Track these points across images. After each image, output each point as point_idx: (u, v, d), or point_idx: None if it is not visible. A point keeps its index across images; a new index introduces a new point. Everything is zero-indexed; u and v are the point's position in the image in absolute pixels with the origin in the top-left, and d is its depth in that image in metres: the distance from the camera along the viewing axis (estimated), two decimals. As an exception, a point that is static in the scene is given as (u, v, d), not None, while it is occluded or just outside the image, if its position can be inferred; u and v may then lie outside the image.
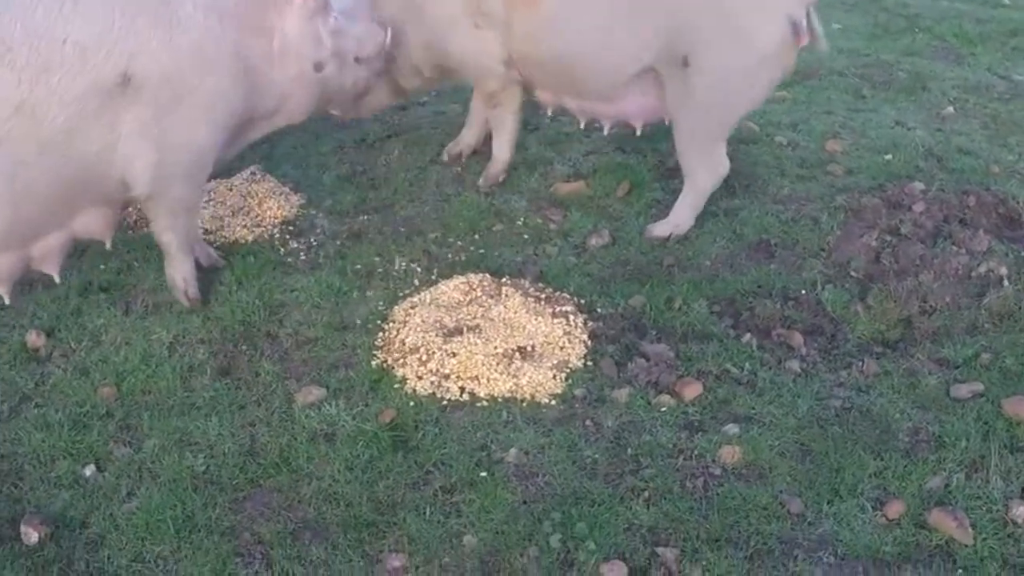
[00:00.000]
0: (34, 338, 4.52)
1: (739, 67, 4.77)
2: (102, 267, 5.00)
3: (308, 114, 4.95)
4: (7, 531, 3.58)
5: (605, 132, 5.46)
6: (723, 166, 5.08)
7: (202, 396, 4.13)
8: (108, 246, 4.55)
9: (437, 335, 4.19)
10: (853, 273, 4.74)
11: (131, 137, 4.14)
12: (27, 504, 3.70)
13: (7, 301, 4.37)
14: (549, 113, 5.58)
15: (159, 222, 4.57)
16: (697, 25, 4.72)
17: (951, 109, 6.70)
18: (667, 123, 5.16)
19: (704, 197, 5.17)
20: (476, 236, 5.22)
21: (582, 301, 4.58)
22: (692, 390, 3.99)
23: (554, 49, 5.00)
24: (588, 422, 3.88)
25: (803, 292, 4.63)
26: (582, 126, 5.55)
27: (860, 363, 4.18)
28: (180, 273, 4.70)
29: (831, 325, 4.44)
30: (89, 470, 3.81)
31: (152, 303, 4.73)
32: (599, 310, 4.54)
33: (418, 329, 4.24)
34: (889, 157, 5.85)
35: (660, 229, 5.17)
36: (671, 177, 5.57)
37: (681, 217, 5.17)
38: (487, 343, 4.13)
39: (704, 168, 5.07)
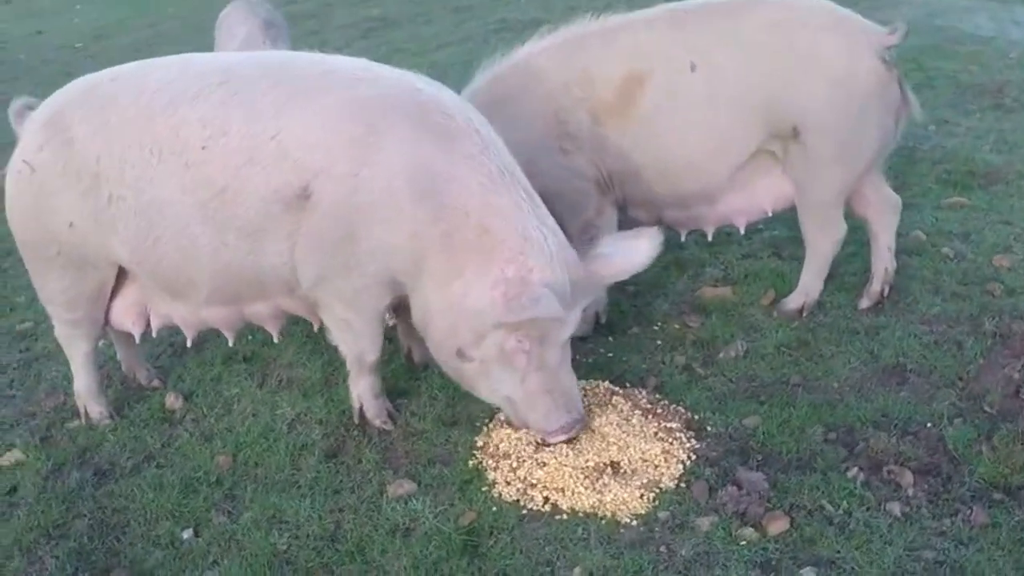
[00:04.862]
0: (172, 400, 4.83)
1: (847, 116, 4.76)
2: (249, 337, 5.27)
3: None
4: (97, 581, 3.85)
5: (709, 237, 5.38)
6: (841, 231, 5.13)
7: (306, 476, 4.30)
8: (316, 329, 4.63)
9: (529, 443, 4.19)
10: (987, 408, 4.38)
11: (302, 248, 4.07)
12: (123, 558, 3.97)
13: (231, 343, 4.66)
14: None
15: (330, 332, 4.44)
16: (799, 88, 4.73)
17: None
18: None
19: (827, 262, 5.23)
20: (610, 339, 5.20)
21: (695, 417, 4.46)
22: (778, 525, 3.80)
23: (656, 156, 4.89)
24: (663, 548, 3.76)
25: (928, 425, 4.31)
26: (682, 238, 5.45)
27: (969, 511, 3.83)
28: (355, 390, 4.54)
29: (949, 465, 4.09)
30: (187, 533, 4.05)
31: (286, 378, 4.97)
32: (709, 428, 4.39)
33: (513, 435, 4.26)
34: (1058, 275, 5.43)
35: (793, 303, 5.29)
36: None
37: (809, 286, 5.27)
38: (579, 455, 4.09)
39: (823, 234, 5.11)
